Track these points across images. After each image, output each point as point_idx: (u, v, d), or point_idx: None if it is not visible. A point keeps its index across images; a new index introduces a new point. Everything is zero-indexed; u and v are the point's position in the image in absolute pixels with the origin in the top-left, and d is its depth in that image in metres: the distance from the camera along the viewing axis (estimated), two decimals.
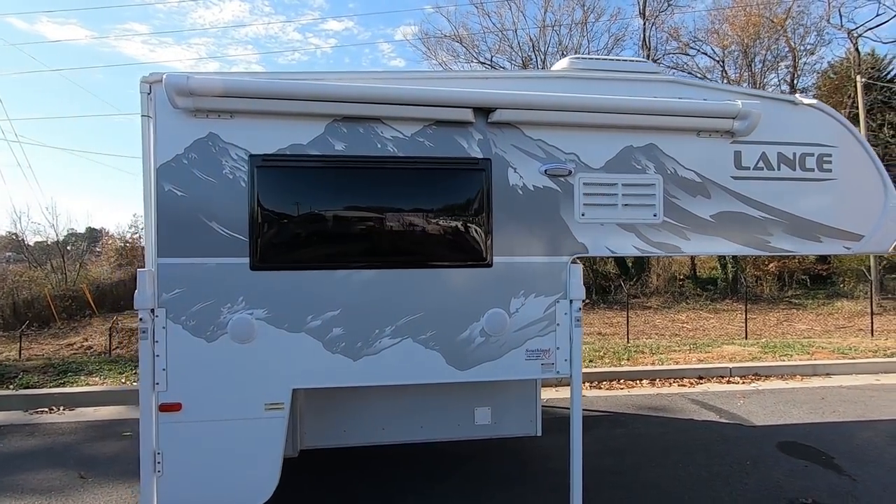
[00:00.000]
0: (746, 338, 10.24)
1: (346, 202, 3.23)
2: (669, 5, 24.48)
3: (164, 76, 2.95)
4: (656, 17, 24.56)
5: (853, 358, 8.00)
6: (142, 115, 3.13)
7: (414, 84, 3.23)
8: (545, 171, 3.37)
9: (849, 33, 22.09)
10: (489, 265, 3.33)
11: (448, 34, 25.69)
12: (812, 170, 3.66)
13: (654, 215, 3.48)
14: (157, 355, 3.06)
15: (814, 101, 3.67)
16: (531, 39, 24.50)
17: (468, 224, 3.32)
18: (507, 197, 3.36)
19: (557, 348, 3.41)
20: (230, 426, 3.11)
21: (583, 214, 3.42)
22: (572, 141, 3.42)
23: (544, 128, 3.38)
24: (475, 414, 4.00)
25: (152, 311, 3.05)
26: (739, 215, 3.57)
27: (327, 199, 3.22)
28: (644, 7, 24.05)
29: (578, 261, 3.44)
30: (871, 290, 16.22)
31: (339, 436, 3.79)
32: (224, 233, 3.10)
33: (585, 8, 24.26)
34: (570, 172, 3.39)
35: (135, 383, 6.68)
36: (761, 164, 3.61)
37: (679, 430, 5.27)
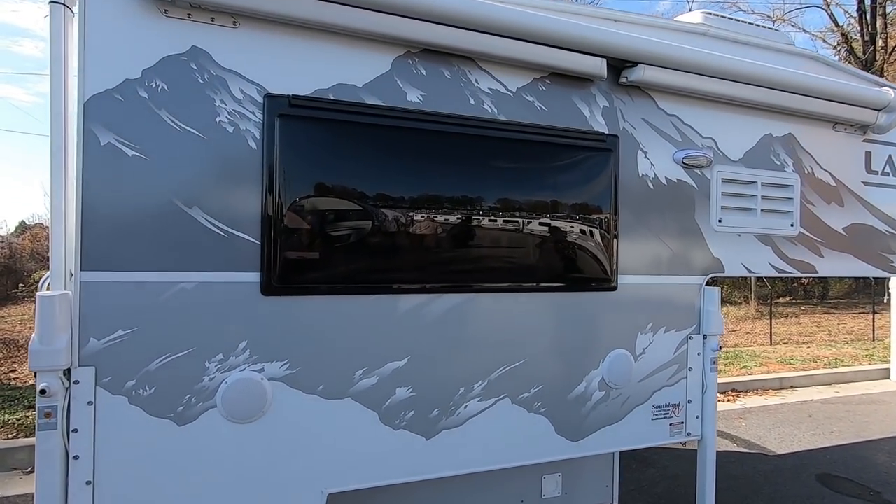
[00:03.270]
0: None
1: (419, 186, 2.02)
2: None
3: None
4: None
5: (804, 369, 8.25)
6: (50, 2, 1.66)
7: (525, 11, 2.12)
8: (682, 158, 2.45)
9: None
10: (613, 288, 2.33)
11: None
12: None
13: (792, 225, 2.73)
14: (76, 457, 1.61)
15: None
16: None
17: (589, 228, 2.28)
18: (635, 192, 2.38)
19: (689, 402, 2.51)
20: None
21: (720, 220, 2.56)
22: (711, 121, 2.54)
23: (682, 99, 2.46)
24: (543, 484, 2.97)
25: (66, 373, 1.60)
26: (868, 229, 2.96)
27: (391, 179, 1.99)
28: None
29: (712, 282, 2.58)
30: (771, 298, 17.83)
31: None
32: (215, 228, 1.74)
33: None
34: (709, 163, 2.51)
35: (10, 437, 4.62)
36: (887, 168, 3.04)
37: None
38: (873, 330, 12.15)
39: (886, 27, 17.59)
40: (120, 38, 1.64)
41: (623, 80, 2.30)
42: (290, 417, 1.83)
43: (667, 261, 2.45)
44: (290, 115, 1.81)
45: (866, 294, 19.89)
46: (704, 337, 2.53)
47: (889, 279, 9.95)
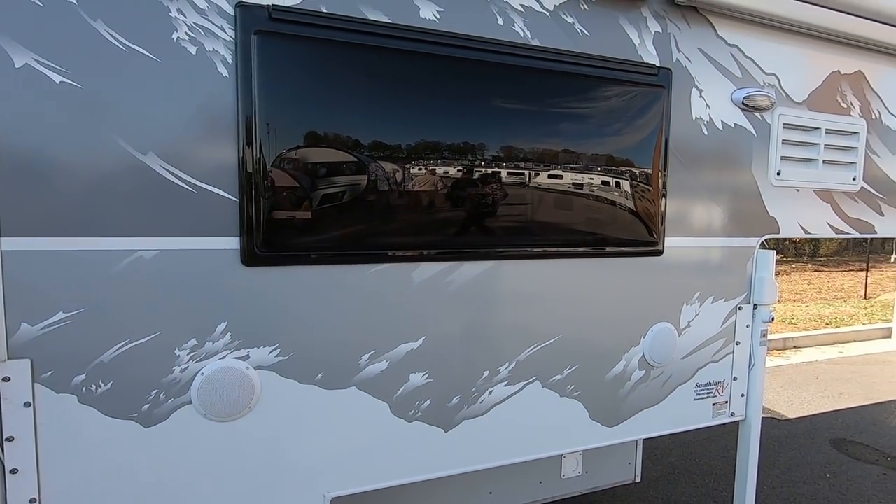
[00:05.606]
0: None
1: (433, 128, 1.63)
2: None
3: None
4: None
5: (807, 329, 8.15)
6: None
7: None
8: (743, 98, 2.07)
9: None
10: (660, 252, 2.00)
11: None
12: None
13: (854, 178, 2.39)
14: (14, 470, 1.28)
15: None
16: None
17: (633, 181, 1.92)
18: (688, 138, 2.01)
19: (734, 379, 2.24)
20: None
21: (778, 173, 2.21)
22: (775, 55, 2.14)
23: (744, 26, 2.05)
24: (563, 464, 2.74)
25: None
26: None
27: (398, 119, 1.59)
28: None
29: (766, 244, 2.26)
30: None
31: None
32: (179, 181, 1.35)
33: None
34: (772, 104, 2.13)
35: None
36: None
37: (723, 433, 4.53)
38: (865, 288, 12.06)
39: None
40: None
41: None
42: (283, 412, 1.51)
43: (719, 220, 2.11)
44: (271, 31, 1.39)
45: (856, 252, 19.91)
46: (755, 307, 2.23)
47: None
